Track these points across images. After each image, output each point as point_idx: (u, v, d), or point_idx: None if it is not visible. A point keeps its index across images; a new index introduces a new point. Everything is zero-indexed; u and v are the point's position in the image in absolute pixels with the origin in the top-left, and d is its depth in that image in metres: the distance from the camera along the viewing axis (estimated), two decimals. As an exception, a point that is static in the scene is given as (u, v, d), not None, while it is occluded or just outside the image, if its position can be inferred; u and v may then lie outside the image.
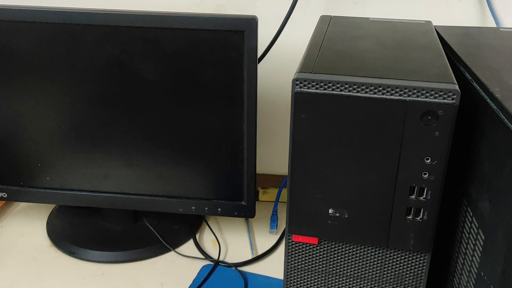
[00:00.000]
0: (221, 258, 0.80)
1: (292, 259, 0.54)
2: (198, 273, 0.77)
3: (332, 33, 0.59)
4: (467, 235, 0.48)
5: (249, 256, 0.81)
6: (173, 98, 0.72)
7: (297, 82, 0.46)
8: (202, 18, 0.67)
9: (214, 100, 0.72)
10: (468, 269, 0.47)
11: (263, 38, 0.84)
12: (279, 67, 0.89)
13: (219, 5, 0.85)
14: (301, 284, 0.55)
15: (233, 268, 0.78)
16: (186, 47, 0.69)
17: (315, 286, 0.55)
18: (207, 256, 0.80)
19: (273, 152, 0.97)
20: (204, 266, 0.78)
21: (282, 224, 0.89)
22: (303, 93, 0.46)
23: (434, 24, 0.69)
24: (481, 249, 0.44)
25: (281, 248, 0.83)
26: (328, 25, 0.62)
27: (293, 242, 0.53)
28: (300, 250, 0.53)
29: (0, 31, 0.70)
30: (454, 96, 0.44)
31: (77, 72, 0.72)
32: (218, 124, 0.73)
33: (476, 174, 0.46)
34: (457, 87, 0.44)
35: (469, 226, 0.47)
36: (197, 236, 0.86)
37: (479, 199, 0.45)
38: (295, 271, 0.55)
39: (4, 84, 0.74)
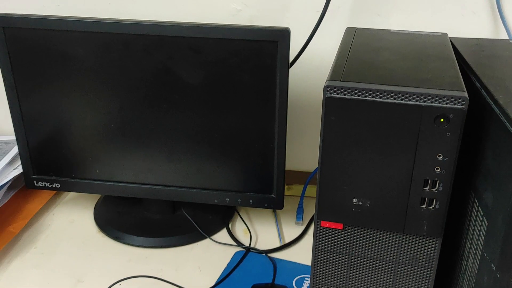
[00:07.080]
0: (252, 246, 0.87)
1: (320, 242, 0.61)
2: (231, 259, 0.83)
3: (357, 45, 0.66)
4: (474, 223, 0.55)
5: (277, 244, 0.87)
6: (212, 100, 0.79)
7: (328, 89, 0.53)
8: (241, 30, 0.73)
9: (249, 103, 0.78)
10: (474, 252, 0.54)
11: (293, 46, 0.89)
12: (308, 73, 0.94)
13: (253, 15, 0.91)
14: (327, 265, 0.62)
15: (263, 254, 0.85)
16: (225, 55, 0.75)
17: (339, 267, 0.62)
18: (239, 244, 0.87)
19: (299, 150, 1.03)
20: (236, 252, 0.85)
21: (307, 217, 0.95)
22: (333, 98, 0.53)
23: (450, 35, 0.74)
24: (485, 233, 0.51)
25: (307, 237, 0.90)
26: (354, 37, 0.69)
27: (321, 228, 0.61)
28: (327, 235, 0.61)
29: (60, 39, 0.77)
30: (463, 102, 0.51)
31: (127, 76, 0.79)
32: (252, 124, 0.80)
33: (482, 169, 0.53)
34: (466, 94, 0.51)
35: (476, 214, 0.55)
36: (230, 225, 0.93)
37: (484, 191, 0.52)
38: (322, 253, 0.62)
39: (61, 86, 0.81)
